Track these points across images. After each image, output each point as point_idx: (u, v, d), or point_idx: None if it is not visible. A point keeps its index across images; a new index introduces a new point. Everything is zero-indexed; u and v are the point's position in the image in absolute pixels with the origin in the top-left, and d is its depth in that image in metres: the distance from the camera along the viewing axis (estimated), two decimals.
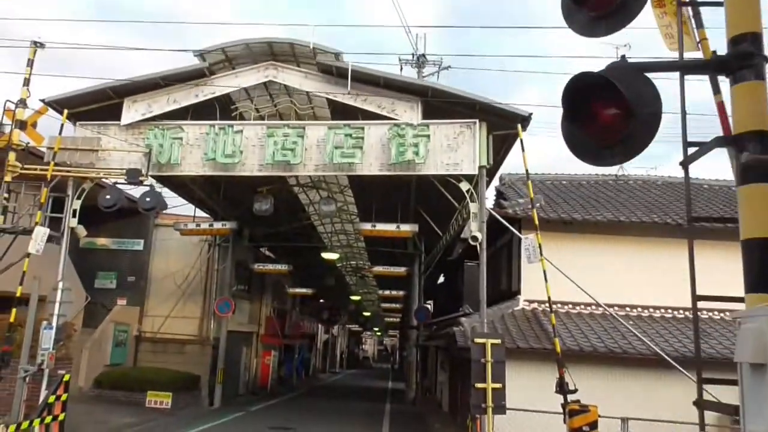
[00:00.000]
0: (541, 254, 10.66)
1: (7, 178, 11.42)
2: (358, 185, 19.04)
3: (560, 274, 11.44)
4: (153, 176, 12.39)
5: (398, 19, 63.94)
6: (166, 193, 22.38)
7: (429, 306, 26.12)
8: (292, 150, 12.08)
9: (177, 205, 22.10)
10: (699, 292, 5.93)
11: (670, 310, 14.89)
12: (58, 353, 12.27)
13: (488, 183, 12.54)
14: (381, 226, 16.15)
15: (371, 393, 30.88)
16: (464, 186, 12.25)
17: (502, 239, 17.28)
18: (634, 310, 14.90)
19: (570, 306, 14.94)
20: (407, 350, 32.12)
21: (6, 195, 11.47)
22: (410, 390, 26.17)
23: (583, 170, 19.23)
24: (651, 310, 15.00)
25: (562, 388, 9.93)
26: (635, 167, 19.81)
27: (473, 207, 12.06)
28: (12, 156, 11.55)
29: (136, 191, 12.49)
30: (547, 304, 15.04)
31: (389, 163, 12.06)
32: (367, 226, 16.30)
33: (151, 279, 21.83)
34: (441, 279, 32.10)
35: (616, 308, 14.43)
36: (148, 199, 11.72)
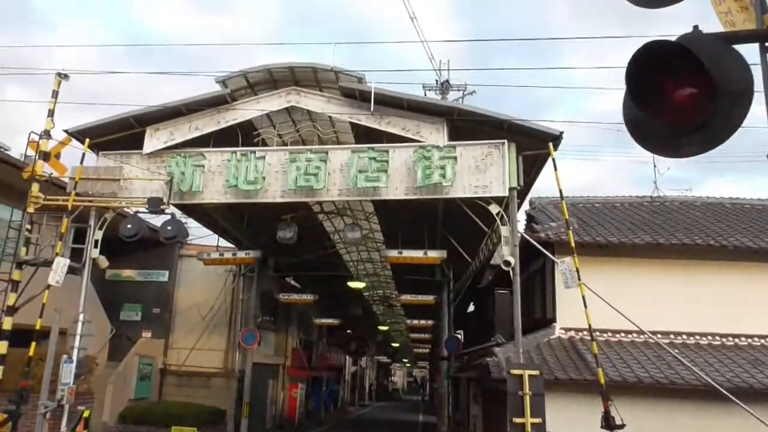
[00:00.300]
0: (579, 279, 10.04)
1: (30, 209, 11.31)
2: (384, 211, 18.63)
3: (597, 300, 10.78)
4: (175, 205, 12.17)
5: (422, 48, 64.38)
6: (191, 223, 22.48)
7: (459, 336, 25.35)
8: (315, 175, 11.76)
9: (202, 236, 22.01)
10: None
11: (717, 337, 14.00)
12: (79, 388, 11.96)
13: (519, 205, 12.01)
14: (408, 253, 15.65)
15: (401, 427, 29.92)
16: (494, 209, 11.74)
17: (535, 264, 16.61)
18: (679, 338, 14.04)
19: (609, 334, 14.16)
20: (437, 382, 31.20)
21: (28, 226, 11.35)
22: (442, 424, 25.20)
23: (617, 192, 18.60)
24: (697, 337, 14.13)
25: (608, 423, 9.20)
26: (669, 189, 19.04)
27: (504, 230, 11.52)
28: (35, 187, 11.45)
29: (158, 220, 12.27)
30: (586, 332, 14.40)
31: (415, 187, 11.65)
32: (393, 253, 15.82)
33: (175, 310, 21.58)
34: (471, 308, 31.29)
35: (659, 336, 13.65)
36: (169, 228, 11.48)
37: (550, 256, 12.06)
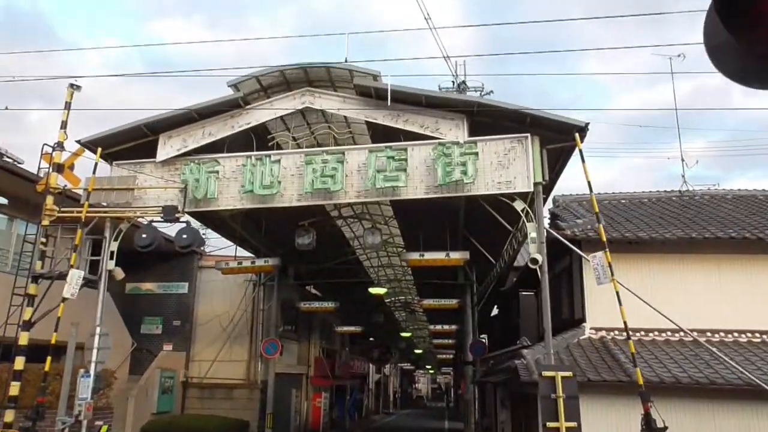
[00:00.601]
0: (612, 274, 9.53)
1: (45, 222, 11.13)
2: (403, 213, 18.24)
3: (627, 299, 10.25)
4: (190, 213, 11.91)
5: (438, 53, 64.08)
6: (210, 234, 22.30)
7: (484, 340, 24.79)
8: (332, 176, 11.43)
9: (221, 247, 21.80)
10: None
11: (758, 334, 13.34)
12: (98, 403, 11.73)
13: (544, 201, 11.54)
14: (429, 255, 15.24)
15: None
16: (519, 205, 11.29)
17: (562, 264, 16.08)
18: (716, 335, 13.41)
19: (642, 333, 13.58)
20: (462, 388, 30.61)
21: (43, 240, 11.17)
22: (469, 430, 24.62)
23: (642, 188, 18.00)
24: (735, 334, 13.48)
25: (649, 425, 8.67)
26: (696, 185, 18.32)
27: (530, 227, 11.05)
28: (49, 200, 11.28)
29: (173, 230, 12.01)
30: (617, 332, 13.85)
31: (436, 185, 11.24)
32: (414, 256, 15.41)
33: (196, 322, 21.37)
34: (495, 311, 30.72)
35: (695, 333, 13.06)
36: (184, 236, 11.21)
37: (579, 252, 11.56)
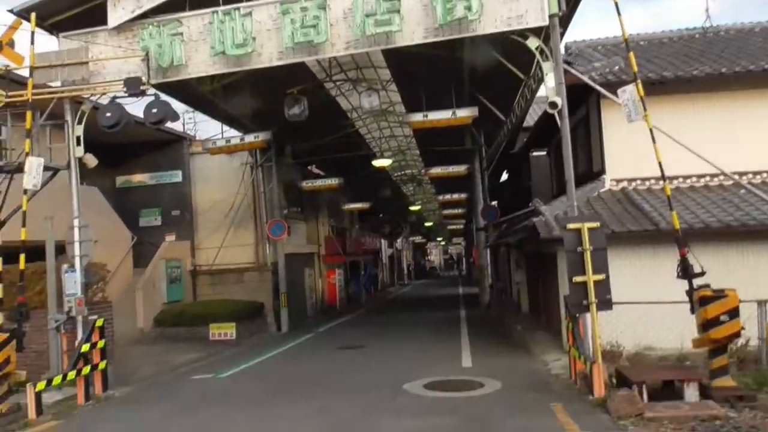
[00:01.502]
0: (645, 109, 8.25)
1: None
2: (402, 74, 16.66)
3: (649, 145, 9.07)
4: (157, 85, 10.50)
5: None
6: (201, 122, 20.93)
7: (495, 205, 24.10)
8: (314, 27, 9.84)
9: (215, 134, 20.43)
10: None
11: None
12: (93, 297, 11.10)
13: (561, 37, 9.95)
14: (434, 115, 13.96)
15: (443, 301, 29.64)
16: (532, 43, 9.78)
17: (577, 115, 14.75)
18: (757, 176, 12.43)
19: (667, 180, 12.51)
20: (474, 256, 30.49)
21: None
22: (484, 294, 24.62)
23: (663, 27, 16.09)
24: (765, 174, 12.49)
25: (686, 271, 7.83)
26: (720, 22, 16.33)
27: (547, 67, 9.63)
28: None
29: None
30: (640, 181, 12.83)
31: (435, 27, 9.66)
32: (418, 117, 14.14)
33: (196, 211, 20.62)
34: (504, 177, 29.81)
35: (722, 177, 12.06)
36: (154, 110, 9.90)
37: (603, 91, 10.19)
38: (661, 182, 12.45)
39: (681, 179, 12.67)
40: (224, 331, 16.16)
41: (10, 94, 9.92)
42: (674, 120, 11.70)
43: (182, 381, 11.29)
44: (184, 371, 12.32)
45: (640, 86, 8.31)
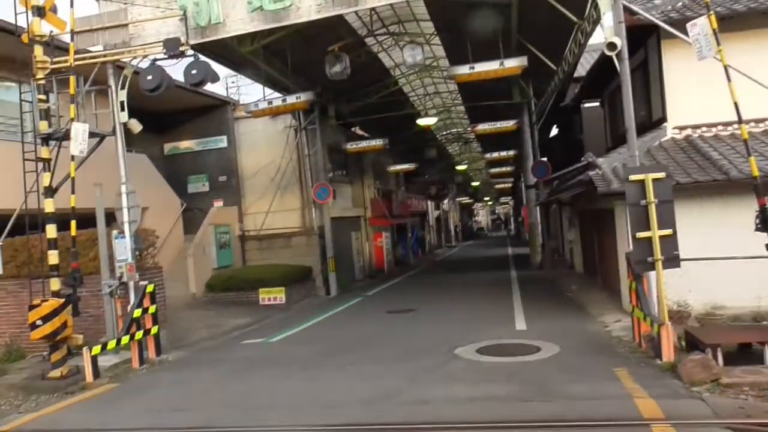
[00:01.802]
0: (718, 44, 7.48)
1: (39, 75, 9.80)
2: (446, 27, 15.97)
3: (711, 88, 8.26)
4: (197, 46, 10.25)
5: None
6: (244, 83, 20.73)
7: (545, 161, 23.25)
8: None
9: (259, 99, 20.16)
10: None
11: None
12: (143, 263, 11.18)
13: None
14: (481, 67, 13.28)
15: (492, 262, 29.17)
16: None
17: (635, 60, 13.78)
18: None
19: (735, 127, 11.63)
20: (523, 215, 29.75)
21: (42, 97, 9.94)
22: (535, 254, 24.04)
23: None
24: None
25: (765, 223, 7.15)
26: None
27: (604, 4, 8.88)
28: (38, 50, 9.84)
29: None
30: (705, 128, 11.94)
31: None
32: (463, 70, 13.48)
33: (242, 176, 20.63)
34: (553, 132, 28.74)
35: None
36: (194, 71, 9.67)
37: (670, 29, 9.33)
38: (729, 128, 11.73)
39: (752, 123, 11.71)
40: (274, 295, 16.23)
41: (54, 60, 9.85)
42: (744, 59, 10.75)
43: (233, 345, 11.35)
44: (235, 336, 12.41)
45: (713, 18, 7.51)
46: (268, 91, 18.59)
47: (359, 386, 7.51)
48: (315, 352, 10.00)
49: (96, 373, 8.77)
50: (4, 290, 11.10)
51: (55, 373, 9.14)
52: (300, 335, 12.08)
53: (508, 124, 20.75)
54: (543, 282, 18.51)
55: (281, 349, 10.74)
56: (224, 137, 20.38)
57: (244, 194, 20.63)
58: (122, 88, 10.47)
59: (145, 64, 10.33)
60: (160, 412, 7.18)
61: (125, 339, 9.22)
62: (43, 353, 9.73)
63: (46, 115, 9.96)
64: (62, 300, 8.83)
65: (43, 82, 9.91)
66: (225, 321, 14.14)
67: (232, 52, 13.34)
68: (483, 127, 21.15)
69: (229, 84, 21.33)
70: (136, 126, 10.64)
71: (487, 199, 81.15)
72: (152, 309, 9.82)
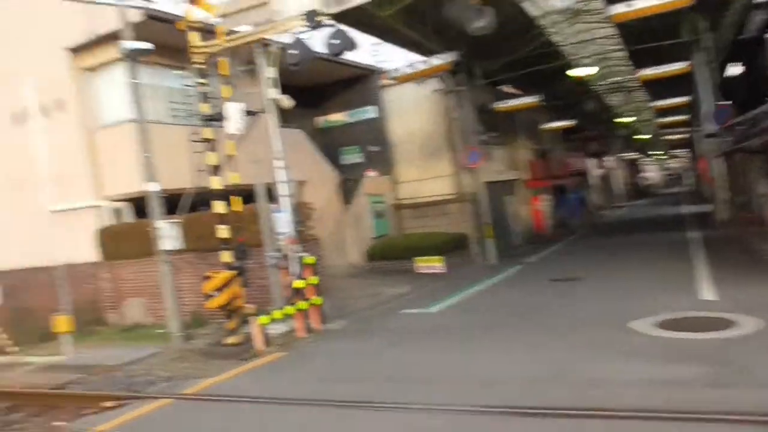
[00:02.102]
0: None
1: (198, 60, 10.37)
2: None
3: None
4: (336, 15, 10.11)
5: None
6: (387, 49, 20.58)
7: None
8: None
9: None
10: None
11: None
12: (303, 235, 11.52)
13: None
14: (641, 2, 11.67)
15: (665, 222, 26.52)
16: None
17: None
18: None
19: None
20: (700, 168, 26.48)
21: (202, 81, 10.52)
22: (718, 211, 21.31)
23: None
24: None
25: None
26: None
27: None
28: (193, 36, 10.39)
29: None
30: None
31: None
32: (620, 8, 11.99)
33: (393, 144, 20.67)
34: (733, 71, 25.02)
35: None
36: (333, 41, 9.58)
37: None
38: None
39: None
40: (431, 264, 16.09)
41: (208, 44, 10.34)
42: None
43: (392, 315, 11.37)
44: (393, 305, 12.45)
45: None
46: (414, 56, 18.30)
47: (522, 362, 7.02)
48: (474, 323, 9.64)
49: (265, 341, 9.22)
50: (186, 262, 12.12)
51: (231, 340, 9.81)
52: (458, 305, 11.78)
53: (679, 66, 18.38)
54: (729, 243, 16.31)
55: (440, 319, 10.52)
56: (373, 107, 20.51)
57: (395, 163, 20.70)
58: (271, 65, 10.71)
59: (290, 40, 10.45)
60: (324, 382, 7.33)
61: (290, 309, 9.58)
62: (220, 320, 10.48)
63: (205, 98, 10.54)
64: (232, 272, 9.36)
65: (201, 66, 10.49)
66: (383, 290, 14.30)
67: (372, 18, 13.12)
68: (648, 72, 18.96)
69: (374, 53, 21.30)
70: (287, 102, 10.88)
71: (657, 152, 74.30)
72: (313, 280, 10.09)
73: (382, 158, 20.53)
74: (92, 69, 13.68)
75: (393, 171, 20.65)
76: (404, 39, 15.72)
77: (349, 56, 11.17)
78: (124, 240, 12.93)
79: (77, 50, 13.49)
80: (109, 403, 7.10)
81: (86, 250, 13.27)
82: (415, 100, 20.02)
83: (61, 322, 10.44)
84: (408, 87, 18.90)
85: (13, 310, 12.71)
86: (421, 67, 14.92)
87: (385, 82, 20.10)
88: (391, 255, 17.37)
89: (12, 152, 14.34)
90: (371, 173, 20.13)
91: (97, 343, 11.68)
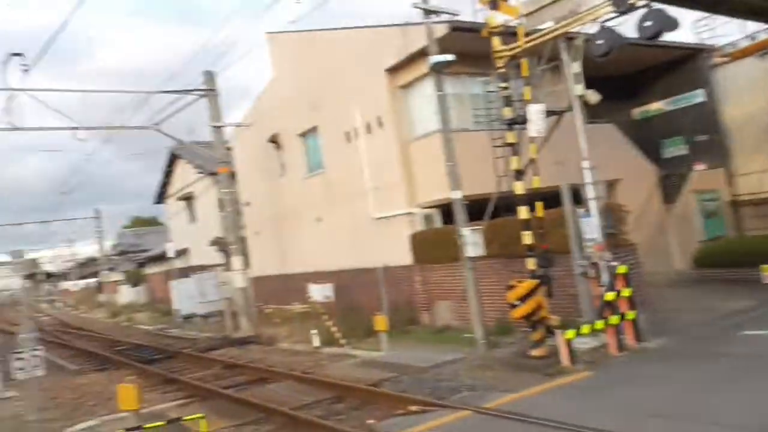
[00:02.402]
0: None
1: (500, 63, 10.23)
2: None
3: None
4: None
5: None
6: (717, 22, 17.61)
7: None
8: None
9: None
10: None
11: None
12: (615, 240, 10.46)
13: None
14: None
15: None
16: None
17: None
18: None
19: None
20: None
21: (505, 84, 10.32)
22: None
23: None
24: None
25: None
26: None
27: None
28: (495, 41, 10.28)
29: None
30: None
31: None
32: None
33: (728, 131, 17.50)
34: None
35: None
36: (647, 23, 8.30)
37: None
38: None
39: None
40: None
41: (508, 47, 10.14)
42: None
43: (728, 336, 9.49)
44: (730, 323, 10.37)
45: None
46: (752, 26, 15.16)
47: None
48: None
49: (571, 357, 8.56)
50: (490, 268, 12.15)
51: (535, 352, 9.40)
52: None
53: None
54: None
55: None
56: (701, 90, 17.69)
57: (731, 153, 17.50)
58: (575, 60, 9.97)
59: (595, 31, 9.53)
60: (635, 414, 6.37)
61: (599, 324, 8.72)
62: (524, 329, 10.15)
63: (507, 101, 10.35)
64: (537, 281, 8.95)
65: (503, 70, 10.34)
66: (716, 303, 12.12)
67: None
68: None
69: (700, 28, 18.32)
70: (594, 97, 9.99)
71: None
72: (626, 292, 9.02)
73: (712, 148, 17.55)
74: (405, 86, 14.80)
75: (728, 162, 17.50)
76: (739, 7, 13.09)
77: (666, 37, 9.66)
78: (433, 245, 13.61)
79: (392, 70, 14.74)
80: (414, 407, 7.40)
81: (401, 254, 14.37)
82: (756, 76, 16.60)
83: (380, 321, 11.44)
84: (745, 63, 15.84)
85: (342, 307, 14.49)
86: (764, 36, 12.18)
87: (717, 60, 17.19)
88: (726, 261, 14.66)
89: (345, 168, 16.47)
90: (699, 166, 17.39)
91: (411, 342, 12.47)
